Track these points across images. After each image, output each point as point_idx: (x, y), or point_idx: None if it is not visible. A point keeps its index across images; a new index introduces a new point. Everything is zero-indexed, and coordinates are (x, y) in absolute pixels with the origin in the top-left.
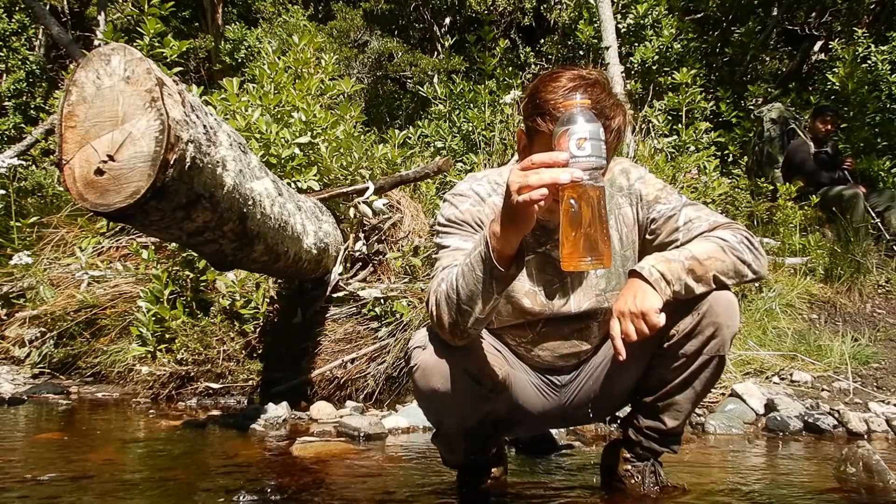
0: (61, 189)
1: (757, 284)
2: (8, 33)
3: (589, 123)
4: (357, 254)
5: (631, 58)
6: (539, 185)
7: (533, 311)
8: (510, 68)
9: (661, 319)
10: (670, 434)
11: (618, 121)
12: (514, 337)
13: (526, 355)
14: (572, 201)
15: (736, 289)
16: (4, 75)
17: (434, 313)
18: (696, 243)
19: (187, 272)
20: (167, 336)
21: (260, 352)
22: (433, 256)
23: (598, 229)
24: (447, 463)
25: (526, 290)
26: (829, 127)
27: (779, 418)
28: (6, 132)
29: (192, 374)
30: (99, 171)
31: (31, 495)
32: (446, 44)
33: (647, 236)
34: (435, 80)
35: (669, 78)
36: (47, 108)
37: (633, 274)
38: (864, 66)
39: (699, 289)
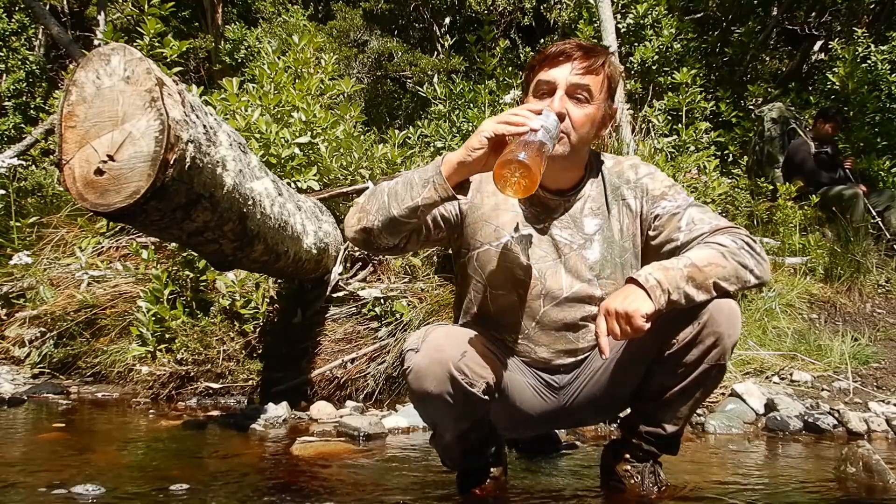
0: (61, 189)
1: None
2: (8, 33)
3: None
4: (357, 254)
5: (631, 58)
6: (513, 122)
7: (525, 284)
8: (510, 68)
9: (645, 325)
10: (670, 438)
11: (602, 60)
12: (511, 332)
13: (523, 352)
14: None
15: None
16: (4, 75)
17: (356, 207)
18: (695, 250)
19: (187, 272)
20: (167, 336)
21: (260, 352)
22: None
23: (537, 162)
24: (446, 464)
25: (520, 263)
26: (833, 129)
27: (779, 418)
28: (6, 132)
29: (192, 374)
30: (99, 171)
31: (30, 495)
32: (446, 44)
33: (650, 232)
34: (435, 80)
35: (669, 78)
36: (47, 108)
37: (630, 280)
38: (863, 65)
39: (700, 296)
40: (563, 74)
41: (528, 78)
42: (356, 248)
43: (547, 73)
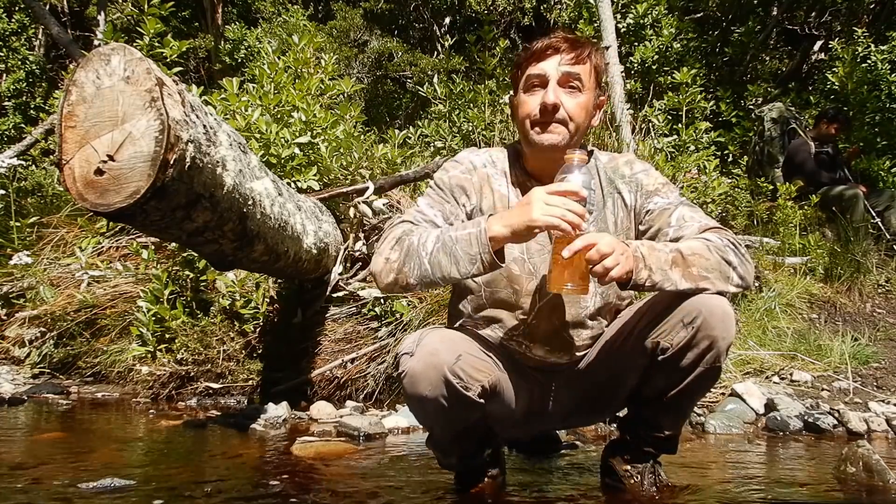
0: (61, 189)
1: (757, 284)
2: (8, 33)
3: (582, 176)
4: (357, 254)
5: (631, 58)
6: (561, 219)
7: (520, 279)
8: (510, 68)
9: (612, 271)
10: (669, 438)
11: (589, 50)
12: (506, 329)
13: (518, 350)
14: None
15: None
16: (4, 75)
17: (387, 264)
18: (682, 242)
19: (187, 272)
20: (167, 336)
21: (260, 352)
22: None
23: (583, 262)
24: (443, 465)
25: (514, 257)
26: (836, 129)
27: (779, 418)
28: (6, 132)
29: (192, 374)
30: (99, 171)
31: (30, 496)
32: (446, 44)
33: (640, 227)
34: (435, 79)
35: (669, 78)
36: (47, 108)
37: None
38: (863, 65)
39: (682, 284)
40: (552, 66)
41: (517, 75)
42: (356, 249)
43: (536, 67)
